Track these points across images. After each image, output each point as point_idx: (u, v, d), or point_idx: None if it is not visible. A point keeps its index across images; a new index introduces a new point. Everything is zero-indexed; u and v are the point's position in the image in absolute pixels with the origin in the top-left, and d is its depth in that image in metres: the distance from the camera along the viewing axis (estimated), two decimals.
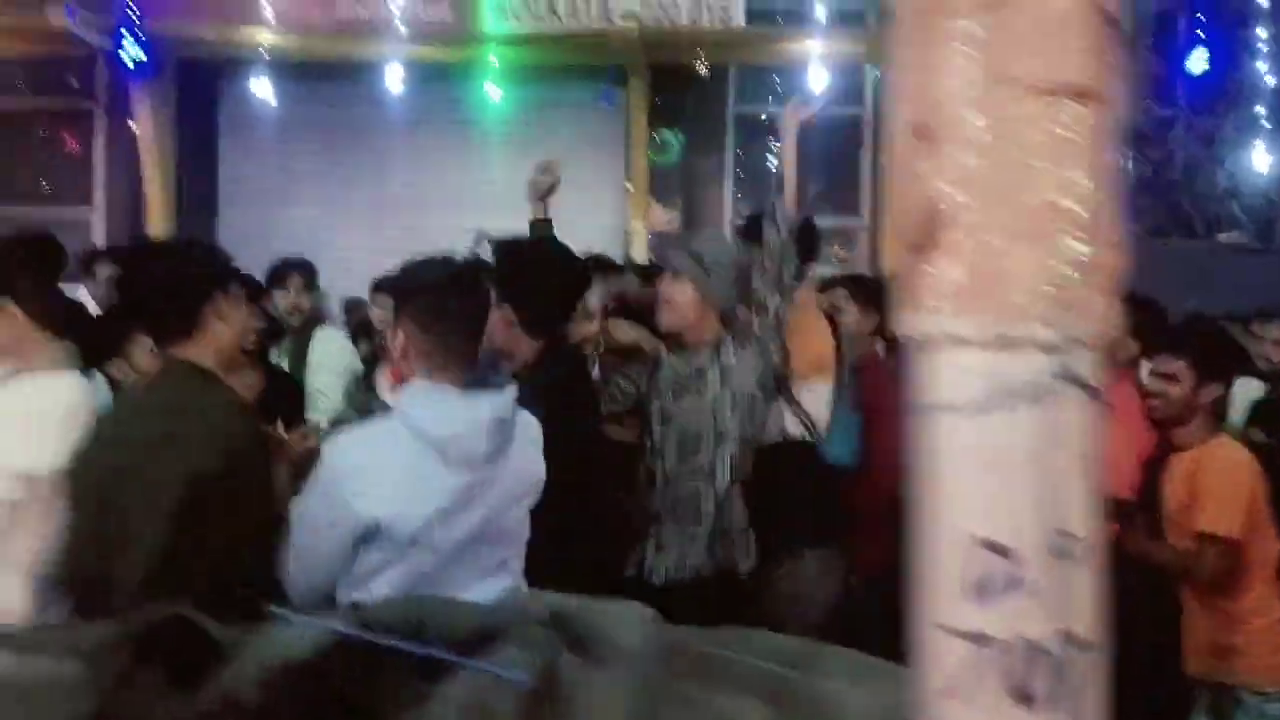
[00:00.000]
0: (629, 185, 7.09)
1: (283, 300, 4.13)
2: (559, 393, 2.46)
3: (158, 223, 6.99)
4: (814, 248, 3.50)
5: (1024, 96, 0.59)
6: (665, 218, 7.35)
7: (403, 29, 6.58)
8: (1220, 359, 2.89)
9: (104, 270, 4.07)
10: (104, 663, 1.22)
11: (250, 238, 7.49)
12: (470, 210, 7.31)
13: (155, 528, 1.82)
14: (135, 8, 6.54)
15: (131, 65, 6.56)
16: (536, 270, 2.68)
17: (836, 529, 3.11)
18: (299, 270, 4.25)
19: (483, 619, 1.57)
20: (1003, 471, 0.61)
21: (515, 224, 6.56)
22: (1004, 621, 0.61)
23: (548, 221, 3.08)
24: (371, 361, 4.17)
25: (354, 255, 6.71)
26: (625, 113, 7.07)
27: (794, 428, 3.15)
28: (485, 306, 2.09)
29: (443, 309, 1.91)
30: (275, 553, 1.93)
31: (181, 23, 6.63)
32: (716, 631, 1.58)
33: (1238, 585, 2.67)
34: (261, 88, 6.84)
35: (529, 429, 2.03)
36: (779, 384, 2.93)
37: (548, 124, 7.39)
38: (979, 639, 0.61)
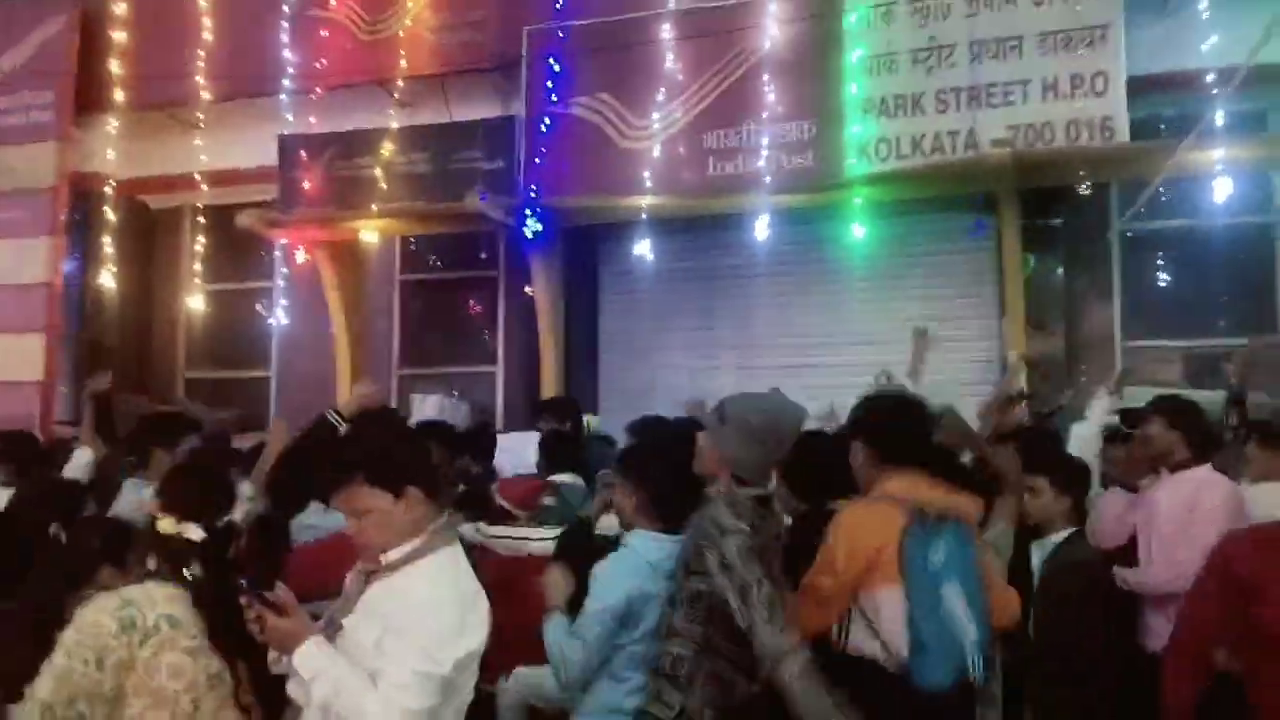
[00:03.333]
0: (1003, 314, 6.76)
1: None
2: None
3: (549, 376, 7.64)
4: None
5: None
6: (1046, 345, 6.90)
7: (768, 180, 6.85)
8: None
9: None
10: None
11: (628, 385, 8.03)
12: (838, 348, 7.36)
13: None
14: (534, 187, 7.37)
15: (530, 236, 7.33)
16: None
17: None
18: None
19: None
20: None
21: (883, 359, 6.54)
22: None
23: None
24: None
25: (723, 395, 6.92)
26: (996, 239, 6.81)
27: (866, 644, 2.57)
28: None
29: None
30: None
31: (571, 196, 7.32)
32: None
33: None
34: (638, 246, 7.28)
35: None
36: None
37: (914, 257, 7.32)
38: None
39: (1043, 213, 6.81)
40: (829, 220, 7.09)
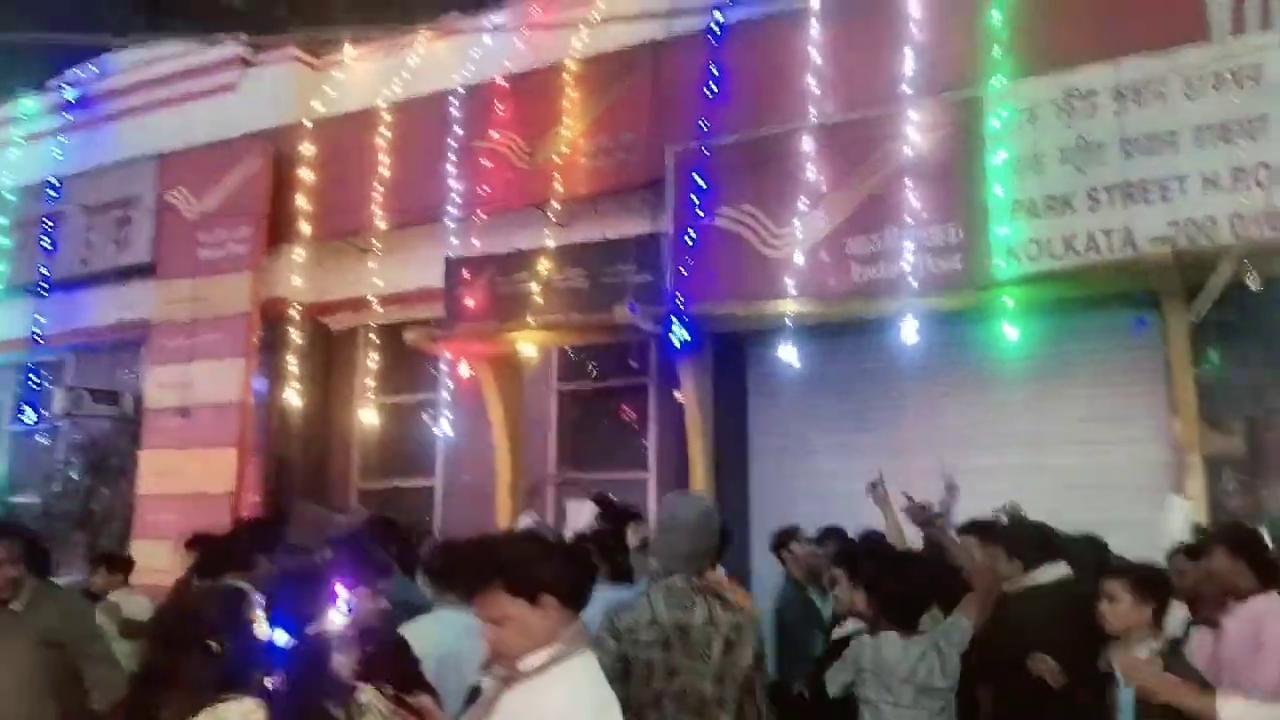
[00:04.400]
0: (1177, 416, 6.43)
1: None
2: None
3: (699, 481, 7.70)
4: None
5: None
6: (1225, 445, 6.51)
7: (914, 284, 6.82)
8: None
9: None
10: None
11: (777, 489, 8.00)
12: (994, 451, 7.13)
13: None
14: (681, 296, 7.58)
15: (678, 345, 7.51)
16: None
17: None
18: None
19: None
20: None
21: (1043, 460, 6.29)
22: None
23: None
24: None
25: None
26: (1162, 337, 6.53)
27: None
28: None
29: None
30: None
31: (716, 304, 7.48)
32: None
33: None
34: (785, 351, 7.32)
35: None
36: None
37: (1073, 356, 7.09)
38: None
39: (1213, 306, 6.49)
40: (979, 322, 6.98)
